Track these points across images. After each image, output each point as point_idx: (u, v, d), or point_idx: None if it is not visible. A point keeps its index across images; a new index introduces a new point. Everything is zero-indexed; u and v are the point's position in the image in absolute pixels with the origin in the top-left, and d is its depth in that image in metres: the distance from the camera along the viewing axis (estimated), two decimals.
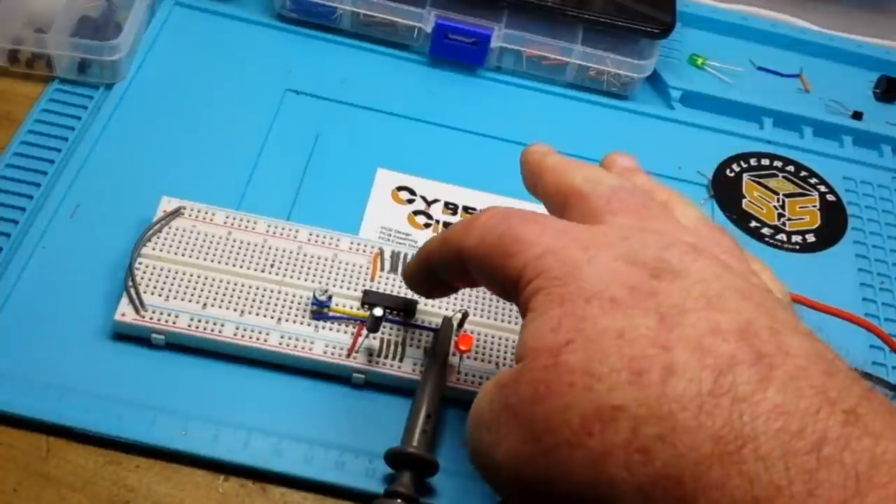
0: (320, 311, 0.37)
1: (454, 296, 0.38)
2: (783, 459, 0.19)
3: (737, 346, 0.21)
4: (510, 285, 0.26)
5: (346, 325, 0.37)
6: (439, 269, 0.31)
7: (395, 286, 0.38)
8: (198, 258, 0.38)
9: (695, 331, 0.21)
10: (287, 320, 0.37)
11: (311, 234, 0.40)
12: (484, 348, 0.37)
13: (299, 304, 0.37)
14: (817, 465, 0.19)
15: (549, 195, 0.30)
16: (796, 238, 0.47)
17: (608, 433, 0.21)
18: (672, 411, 0.20)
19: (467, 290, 0.38)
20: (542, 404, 0.22)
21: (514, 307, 0.36)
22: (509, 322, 0.38)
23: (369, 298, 0.37)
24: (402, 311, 0.37)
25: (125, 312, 0.36)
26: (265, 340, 0.36)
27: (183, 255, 0.38)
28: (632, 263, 0.23)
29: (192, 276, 0.37)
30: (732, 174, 0.50)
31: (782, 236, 0.47)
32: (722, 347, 0.21)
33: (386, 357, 0.36)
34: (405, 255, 0.40)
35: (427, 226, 0.44)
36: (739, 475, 0.19)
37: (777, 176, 0.50)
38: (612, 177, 0.28)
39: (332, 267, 0.39)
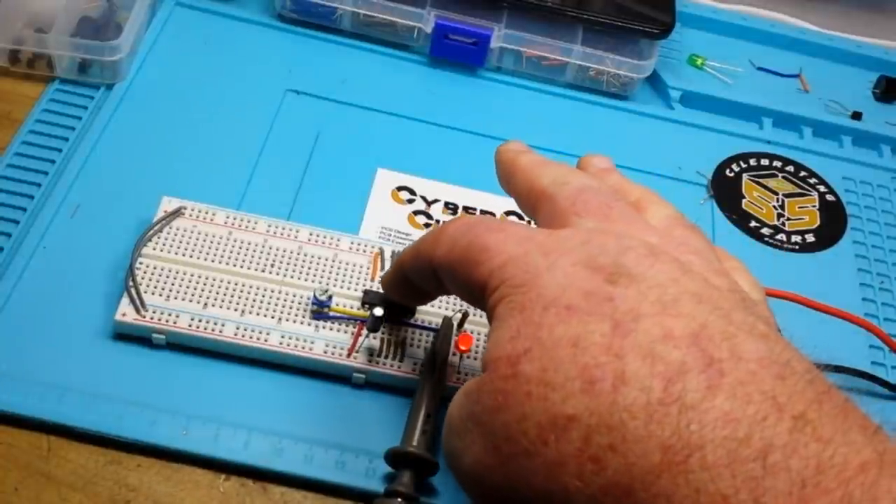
0: (320, 310, 0.37)
1: (454, 296, 0.38)
2: (729, 468, 0.19)
3: (688, 352, 0.21)
4: (477, 293, 0.26)
5: (347, 325, 0.37)
6: (414, 279, 0.31)
7: None
8: (198, 258, 0.38)
9: (647, 337, 0.21)
10: (287, 320, 0.37)
11: (311, 234, 0.40)
12: (484, 348, 0.38)
13: (300, 303, 0.37)
14: (763, 473, 0.19)
15: (521, 196, 0.30)
16: (796, 238, 0.47)
17: (562, 443, 0.21)
18: (622, 420, 0.21)
19: None
20: (501, 414, 0.23)
21: None
22: None
23: (369, 298, 0.37)
24: (402, 311, 0.37)
25: (126, 312, 0.36)
26: (265, 340, 0.36)
27: (183, 255, 0.38)
28: (590, 268, 0.24)
29: (192, 276, 0.37)
30: (732, 174, 0.50)
31: (782, 236, 0.47)
32: (673, 354, 0.21)
33: (386, 357, 0.37)
34: None
35: (427, 226, 0.44)
36: (686, 485, 0.19)
37: (777, 176, 0.50)
38: (581, 177, 0.28)
39: (332, 267, 0.39)
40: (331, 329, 0.37)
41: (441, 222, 0.44)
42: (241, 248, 0.39)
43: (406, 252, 0.31)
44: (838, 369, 0.41)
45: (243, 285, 0.37)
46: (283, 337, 0.36)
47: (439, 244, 0.28)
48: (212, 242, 0.39)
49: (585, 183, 0.27)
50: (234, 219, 0.40)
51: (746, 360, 0.21)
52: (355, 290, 0.38)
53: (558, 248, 0.25)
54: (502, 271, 0.25)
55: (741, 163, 0.50)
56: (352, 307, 0.38)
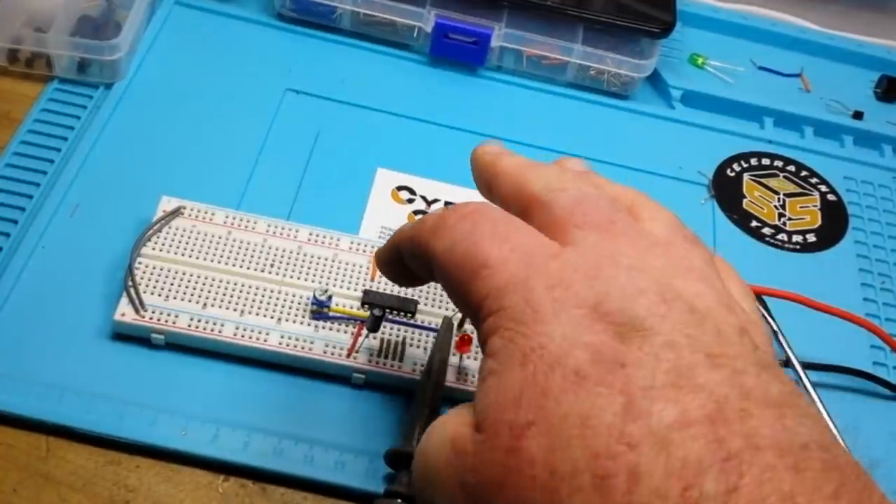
0: (320, 310, 0.37)
1: None
2: None
3: (705, 445, 0.19)
4: (471, 308, 0.24)
5: (346, 325, 0.37)
6: (408, 262, 0.29)
7: (395, 286, 0.38)
8: (198, 258, 0.38)
9: (662, 423, 0.20)
10: (287, 320, 0.37)
11: (311, 234, 0.40)
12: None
13: (299, 304, 0.37)
14: None
15: (507, 202, 0.27)
16: (797, 238, 0.47)
17: None
18: None
19: None
20: (500, 495, 0.21)
21: None
22: None
23: (369, 298, 0.37)
24: (402, 311, 0.37)
25: (125, 312, 0.36)
26: (265, 340, 0.36)
27: (183, 255, 0.38)
28: (598, 317, 0.22)
29: (192, 275, 0.37)
30: (733, 174, 0.50)
31: (783, 236, 0.47)
32: (689, 447, 0.19)
33: (386, 357, 0.36)
34: None
35: None
36: None
37: (778, 176, 0.50)
38: (574, 182, 0.26)
39: (332, 267, 0.39)
40: (331, 329, 0.37)
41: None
42: (240, 247, 0.39)
43: (403, 232, 0.29)
44: (839, 369, 0.41)
45: (243, 285, 0.37)
46: (282, 337, 0.36)
47: (438, 236, 0.26)
48: (211, 242, 0.38)
49: (582, 190, 0.26)
50: (234, 218, 0.39)
51: (763, 450, 0.19)
52: (355, 290, 0.38)
53: (564, 280, 0.22)
54: (501, 296, 0.23)
55: (742, 162, 0.50)
56: (352, 307, 0.37)
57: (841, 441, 0.36)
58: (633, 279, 0.22)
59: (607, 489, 0.19)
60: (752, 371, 0.21)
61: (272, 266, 0.38)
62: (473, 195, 0.45)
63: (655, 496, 0.19)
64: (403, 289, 0.38)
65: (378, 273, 0.39)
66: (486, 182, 0.29)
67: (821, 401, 0.38)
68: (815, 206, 0.49)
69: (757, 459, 0.19)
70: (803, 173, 0.50)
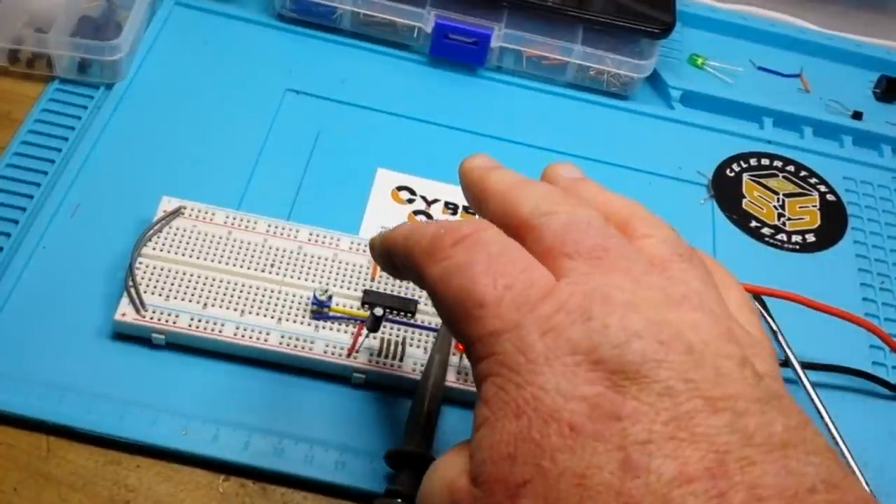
0: (320, 310, 0.37)
1: None
2: None
3: (707, 502, 0.19)
4: (465, 345, 0.24)
5: (347, 325, 0.37)
6: (399, 268, 0.28)
7: (396, 286, 0.38)
8: (198, 258, 0.38)
9: (661, 480, 0.19)
10: (287, 320, 0.37)
11: (311, 234, 0.40)
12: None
13: (299, 303, 0.37)
14: None
15: (497, 222, 0.26)
16: (796, 238, 0.47)
17: None
18: None
19: None
20: None
21: None
22: None
23: (369, 298, 0.37)
24: (403, 311, 0.37)
25: (125, 312, 0.36)
26: (265, 340, 0.36)
27: (183, 255, 0.38)
28: (592, 363, 0.21)
29: (192, 275, 0.37)
30: (732, 174, 0.50)
31: (782, 236, 0.47)
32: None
33: (386, 357, 0.37)
34: None
35: None
36: None
37: (777, 176, 0.50)
38: (565, 202, 0.25)
39: (332, 267, 0.39)
40: (331, 329, 0.37)
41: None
42: (240, 247, 0.39)
43: (399, 239, 0.27)
44: (839, 369, 0.41)
45: (243, 285, 0.37)
46: (282, 337, 0.36)
47: (433, 261, 0.25)
48: (211, 242, 0.38)
49: (572, 214, 0.24)
50: (234, 218, 0.40)
51: (767, 501, 0.19)
52: (355, 290, 0.38)
53: (556, 325, 0.22)
54: (494, 342, 0.22)
55: (741, 162, 0.50)
56: (352, 307, 0.37)
57: (855, 466, 0.36)
58: (628, 320, 0.22)
59: None
60: (755, 409, 0.21)
61: (272, 266, 0.38)
62: None
63: None
64: (403, 289, 0.38)
65: (378, 273, 0.39)
66: (476, 200, 0.28)
67: (820, 401, 0.38)
68: (815, 206, 0.49)
69: None
70: (803, 173, 0.51)
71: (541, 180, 0.28)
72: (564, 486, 0.20)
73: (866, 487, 0.21)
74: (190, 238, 0.38)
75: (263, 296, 0.37)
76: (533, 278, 0.23)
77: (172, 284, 0.37)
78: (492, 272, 0.23)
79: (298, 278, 0.38)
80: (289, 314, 0.37)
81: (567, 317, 0.22)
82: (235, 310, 0.37)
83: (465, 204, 0.45)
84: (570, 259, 0.23)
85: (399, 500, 0.32)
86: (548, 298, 0.22)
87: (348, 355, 0.36)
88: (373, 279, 0.39)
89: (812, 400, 0.38)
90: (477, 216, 0.28)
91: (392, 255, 0.28)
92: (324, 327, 0.37)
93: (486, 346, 0.23)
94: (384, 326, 0.37)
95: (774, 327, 0.40)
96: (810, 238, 0.47)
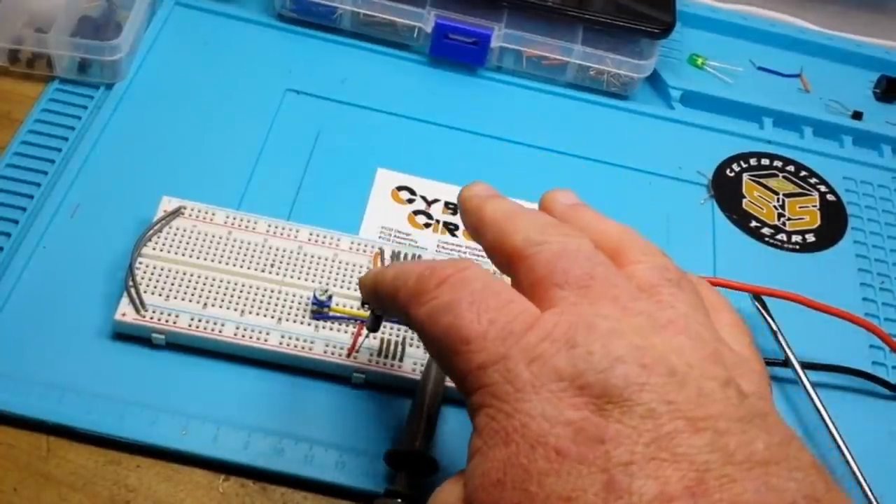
0: (320, 310, 0.37)
1: None
2: None
3: None
4: (455, 381, 0.25)
5: (347, 325, 0.37)
6: (388, 308, 0.29)
7: None
8: (198, 258, 0.38)
9: (642, 500, 0.20)
10: (287, 320, 0.37)
11: (311, 234, 0.40)
12: None
13: (299, 303, 0.37)
14: None
15: (492, 253, 0.27)
16: (796, 238, 0.47)
17: None
18: None
19: None
20: None
21: None
22: None
23: None
24: None
25: (125, 312, 0.36)
26: (265, 340, 0.36)
27: (183, 255, 0.38)
28: (577, 389, 0.22)
29: (192, 275, 0.37)
30: (732, 174, 0.50)
31: (782, 236, 0.47)
32: None
33: (386, 357, 0.37)
34: (405, 254, 0.40)
35: (427, 226, 0.44)
36: None
37: (777, 176, 0.50)
38: (556, 232, 0.26)
39: (332, 267, 0.39)
40: (331, 329, 0.37)
41: (441, 222, 0.44)
42: (240, 247, 0.39)
43: (386, 282, 0.28)
44: (839, 369, 0.41)
45: (243, 285, 0.37)
46: (282, 337, 0.36)
47: (419, 301, 0.25)
48: (211, 242, 0.38)
49: (563, 244, 0.25)
50: (234, 218, 0.40)
51: None
52: (355, 290, 0.38)
53: (542, 354, 0.22)
54: (482, 375, 0.23)
55: (741, 162, 0.50)
56: (352, 307, 0.37)
57: (855, 466, 0.36)
58: (611, 346, 0.22)
59: None
60: (736, 428, 0.21)
61: (272, 266, 0.38)
62: None
63: None
64: None
65: None
66: (473, 228, 0.29)
67: (820, 401, 0.38)
68: (815, 206, 0.49)
69: None
70: (803, 173, 0.51)
71: (538, 207, 0.29)
72: None
73: (850, 501, 0.21)
74: (190, 238, 0.38)
75: (263, 296, 0.37)
76: (517, 311, 0.24)
77: (172, 284, 0.37)
78: (476, 308, 0.24)
79: (298, 278, 0.38)
80: (289, 314, 0.37)
81: (552, 345, 0.22)
82: (235, 310, 0.37)
83: None
84: (560, 289, 0.24)
85: (399, 501, 0.32)
86: (533, 329, 0.23)
87: (348, 355, 0.36)
88: None
89: (812, 400, 0.38)
90: (462, 256, 0.28)
91: (380, 296, 0.29)
92: (324, 327, 0.37)
93: (475, 379, 0.23)
94: (384, 326, 0.37)
95: (774, 327, 0.40)
96: (810, 238, 0.47)
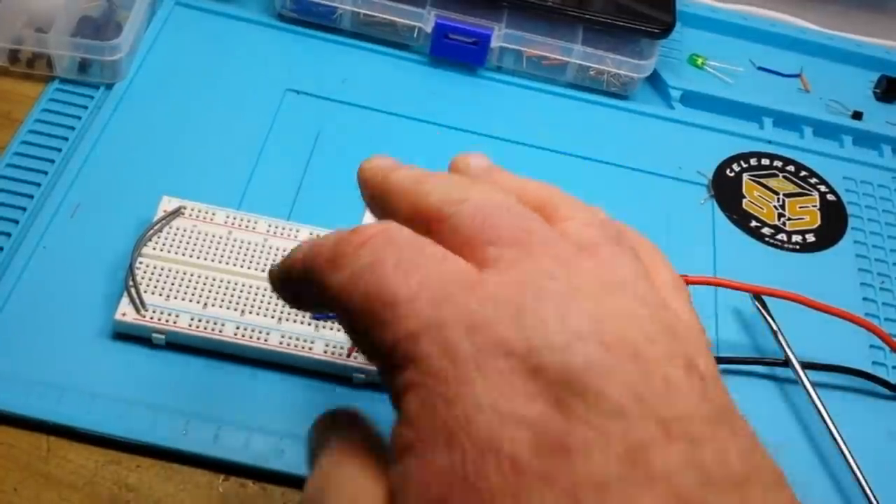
0: (321, 310, 0.37)
1: None
2: None
3: None
4: (378, 358, 0.20)
5: None
6: (301, 289, 0.24)
7: None
8: (198, 258, 0.38)
9: None
10: (287, 320, 0.37)
11: (311, 234, 0.40)
12: None
13: None
14: None
15: (406, 223, 0.22)
16: (796, 238, 0.47)
17: None
18: None
19: None
20: None
21: None
22: None
23: None
24: None
25: (126, 312, 0.36)
26: (265, 340, 0.36)
27: (183, 255, 0.38)
28: (530, 370, 0.18)
29: (192, 275, 0.37)
30: (732, 174, 0.50)
31: (782, 236, 0.47)
32: None
33: None
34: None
35: None
36: None
37: (777, 176, 0.50)
38: (475, 188, 0.22)
39: None
40: (331, 329, 0.37)
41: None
42: (241, 247, 0.39)
43: (296, 259, 0.23)
44: (839, 369, 0.41)
45: (243, 285, 0.37)
46: (283, 337, 0.36)
47: (335, 267, 0.21)
48: (212, 242, 0.38)
49: (486, 198, 0.22)
50: (234, 218, 0.40)
51: None
52: None
53: (485, 321, 0.19)
54: (413, 345, 0.19)
55: (742, 162, 0.50)
56: None
57: (855, 466, 0.36)
58: (567, 315, 0.19)
59: None
60: (708, 433, 0.18)
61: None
62: None
63: None
64: None
65: None
66: (378, 201, 0.24)
67: (820, 401, 0.38)
68: (815, 206, 0.49)
69: None
70: (803, 173, 0.51)
71: (448, 171, 0.26)
72: None
73: None
74: (190, 238, 0.38)
75: (264, 296, 0.37)
76: (451, 270, 0.20)
77: (173, 284, 0.37)
78: (403, 268, 0.20)
79: None
80: (289, 314, 0.37)
81: (496, 310, 0.19)
82: (236, 310, 0.37)
83: None
84: (493, 246, 0.20)
85: None
86: (472, 290, 0.19)
87: (348, 355, 0.36)
88: None
89: (812, 400, 0.38)
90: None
91: (292, 278, 0.24)
92: (324, 327, 0.37)
93: (404, 351, 0.19)
94: None
95: (774, 327, 0.40)
96: (810, 238, 0.47)
